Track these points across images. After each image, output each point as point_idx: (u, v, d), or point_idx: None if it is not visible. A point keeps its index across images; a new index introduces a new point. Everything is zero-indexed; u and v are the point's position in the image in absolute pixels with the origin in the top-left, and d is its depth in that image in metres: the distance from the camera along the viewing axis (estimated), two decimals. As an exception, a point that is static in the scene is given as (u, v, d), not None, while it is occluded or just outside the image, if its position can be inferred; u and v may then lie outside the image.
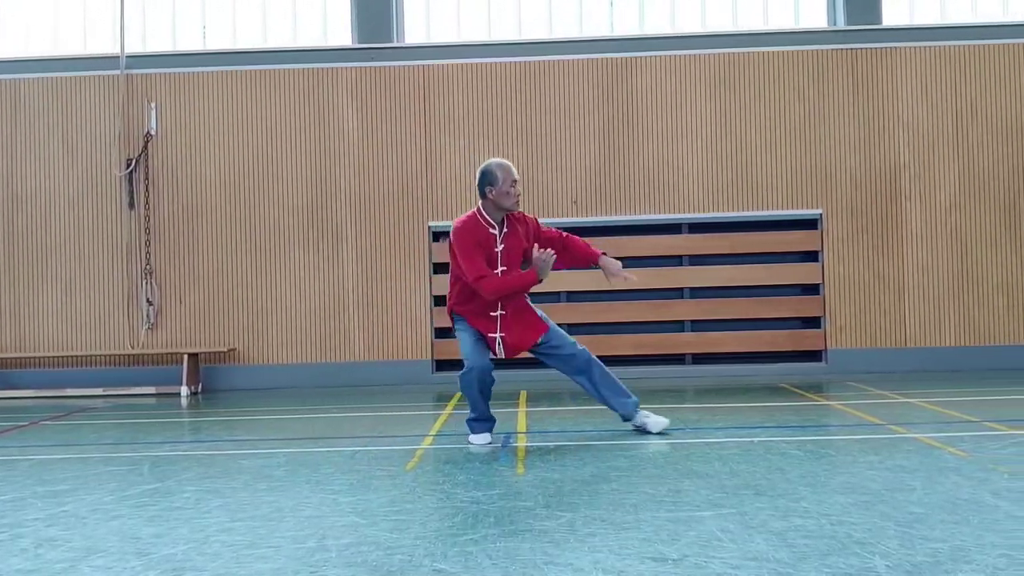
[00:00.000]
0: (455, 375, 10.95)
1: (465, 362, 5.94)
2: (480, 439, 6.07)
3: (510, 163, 5.95)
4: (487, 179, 5.85)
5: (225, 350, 11.00)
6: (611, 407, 6.24)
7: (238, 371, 11.13)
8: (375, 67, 11.25)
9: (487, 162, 5.96)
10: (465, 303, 5.99)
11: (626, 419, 6.27)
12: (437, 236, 11.19)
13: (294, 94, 11.25)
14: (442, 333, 11.20)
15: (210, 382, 11.12)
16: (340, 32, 11.74)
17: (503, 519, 3.98)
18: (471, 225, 5.87)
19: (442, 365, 11.11)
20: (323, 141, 11.24)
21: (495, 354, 6.03)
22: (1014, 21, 11.31)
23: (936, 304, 10.98)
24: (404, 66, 11.25)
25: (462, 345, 6.01)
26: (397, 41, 11.46)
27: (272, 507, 4.36)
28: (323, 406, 8.91)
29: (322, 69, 11.26)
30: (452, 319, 6.13)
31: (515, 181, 5.87)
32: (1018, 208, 11.02)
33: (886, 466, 4.93)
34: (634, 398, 6.24)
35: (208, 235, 11.22)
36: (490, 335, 5.96)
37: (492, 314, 5.96)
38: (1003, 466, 4.84)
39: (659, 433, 6.16)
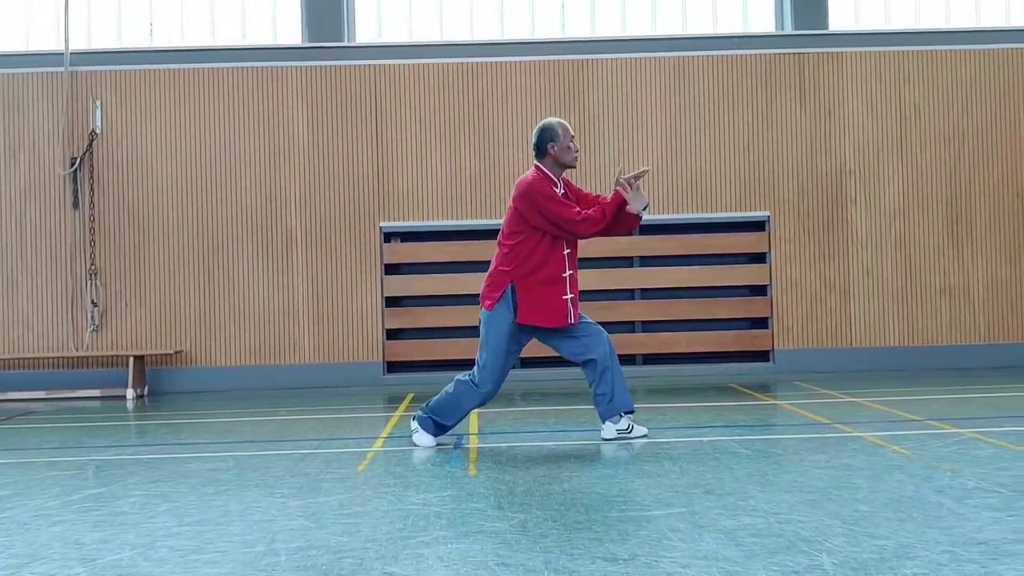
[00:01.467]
0: (406, 377, 11.02)
1: (485, 376, 5.72)
2: (428, 440, 6.00)
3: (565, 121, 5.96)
4: (548, 135, 5.81)
5: (172, 352, 10.84)
6: (597, 405, 5.93)
7: (185, 373, 10.98)
8: (325, 66, 11.17)
9: (546, 120, 5.95)
10: (536, 270, 5.69)
11: (605, 418, 5.94)
12: (388, 237, 11.14)
13: (243, 93, 11.12)
14: (393, 334, 11.15)
15: (157, 385, 10.95)
16: (290, 31, 11.64)
17: (455, 521, 3.98)
18: (543, 178, 5.79)
19: (393, 367, 11.07)
20: (273, 141, 11.12)
21: (565, 323, 5.75)
22: (957, 28, 11.54)
23: (880, 306, 11.16)
24: (355, 65, 11.17)
25: (491, 352, 5.70)
26: (348, 40, 11.38)
27: (220, 511, 4.31)
28: (272, 408, 8.82)
29: (271, 68, 11.15)
30: (500, 297, 5.69)
31: (573, 136, 5.88)
32: (960, 213, 11.24)
33: (832, 465, 5.01)
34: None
35: (155, 235, 11.05)
36: (563, 298, 5.75)
37: (563, 275, 5.78)
38: (946, 464, 4.94)
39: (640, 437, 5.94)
